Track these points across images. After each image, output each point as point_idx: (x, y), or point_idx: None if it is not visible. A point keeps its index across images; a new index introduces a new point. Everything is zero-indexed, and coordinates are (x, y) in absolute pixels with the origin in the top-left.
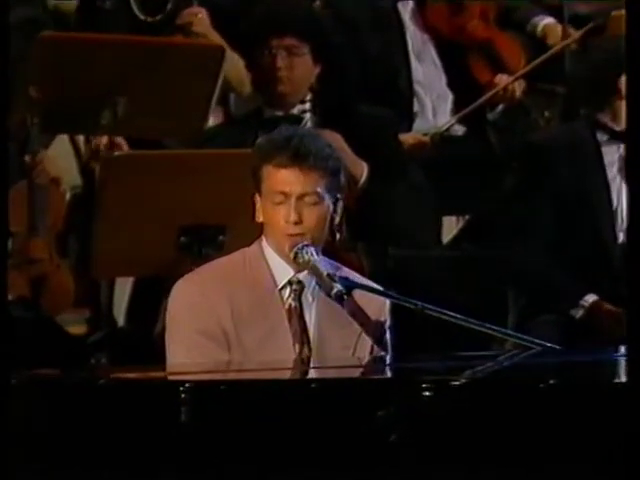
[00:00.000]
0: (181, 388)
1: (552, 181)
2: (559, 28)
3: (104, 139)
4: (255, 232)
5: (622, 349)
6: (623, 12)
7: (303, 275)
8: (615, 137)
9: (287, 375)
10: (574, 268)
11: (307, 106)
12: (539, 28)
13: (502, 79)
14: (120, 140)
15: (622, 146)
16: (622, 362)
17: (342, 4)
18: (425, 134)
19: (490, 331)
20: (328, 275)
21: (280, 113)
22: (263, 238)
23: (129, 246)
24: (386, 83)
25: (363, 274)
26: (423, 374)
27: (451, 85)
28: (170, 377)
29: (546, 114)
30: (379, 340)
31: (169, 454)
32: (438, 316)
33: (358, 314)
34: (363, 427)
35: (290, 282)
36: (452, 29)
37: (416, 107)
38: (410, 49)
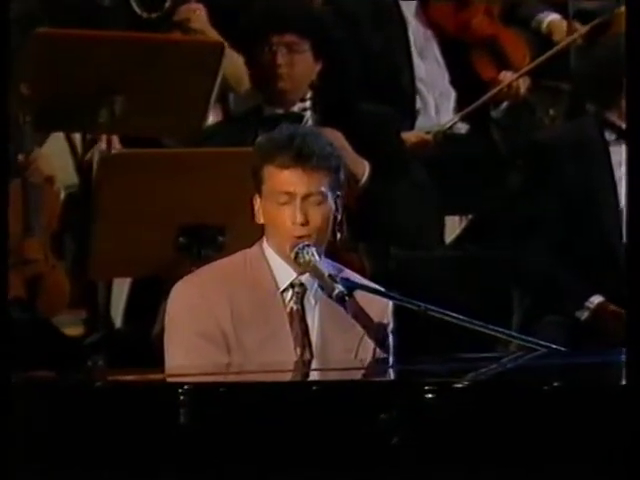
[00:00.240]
0: (180, 390)
1: (558, 180)
2: (564, 24)
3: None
4: (255, 233)
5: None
6: None
7: (305, 277)
8: (622, 136)
9: (288, 377)
10: (580, 268)
11: (307, 104)
12: (544, 24)
13: (506, 76)
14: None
15: None
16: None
17: (343, 0)
18: (428, 132)
19: (494, 333)
20: (329, 276)
21: (280, 111)
22: (264, 239)
23: (127, 246)
24: (388, 80)
25: (364, 275)
26: (426, 376)
27: (454, 82)
28: (169, 379)
29: (551, 112)
30: (382, 343)
31: (168, 457)
32: (441, 317)
33: (360, 316)
34: (365, 430)
35: (292, 285)
36: (456, 25)
37: (418, 105)
38: (412, 46)
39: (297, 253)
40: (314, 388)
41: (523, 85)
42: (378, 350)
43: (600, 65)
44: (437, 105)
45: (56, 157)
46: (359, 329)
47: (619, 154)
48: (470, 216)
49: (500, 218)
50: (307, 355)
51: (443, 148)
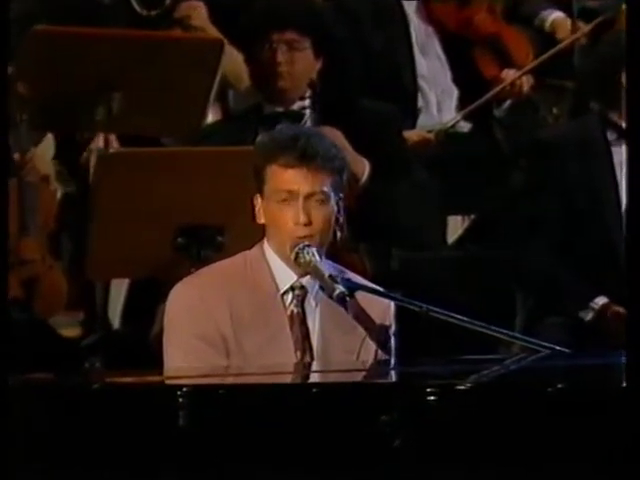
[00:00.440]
0: (179, 392)
1: (560, 179)
2: (568, 22)
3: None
4: (255, 233)
5: None
6: None
7: (306, 280)
8: (623, 135)
9: (288, 379)
10: (582, 268)
11: (307, 102)
12: (548, 22)
13: (509, 74)
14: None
15: None
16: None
17: None
18: (429, 131)
19: (497, 334)
20: (330, 276)
21: (280, 109)
22: (265, 241)
23: (125, 246)
24: (389, 78)
25: (366, 275)
26: (428, 378)
27: (456, 80)
28: (167, 381)
29: (555, 110)
30: (383, 344)
31: (167, 460)
32: (444, 319)
33: (362, 317)
34: (367, 433)
35: (292, 287)
36: (458, 22)
37: (420, 103)
38: (414, 43)
39: (297, 253)
40: (315, 390)
41: (526, 83)
42: (380, 352)
43: (603, 62)
44: (439, 103)
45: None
46: (360, 332)
47: (621, 154)
48: (472, 216)
49: (503, 218)
50: (308, 359)
51: (445, 147)
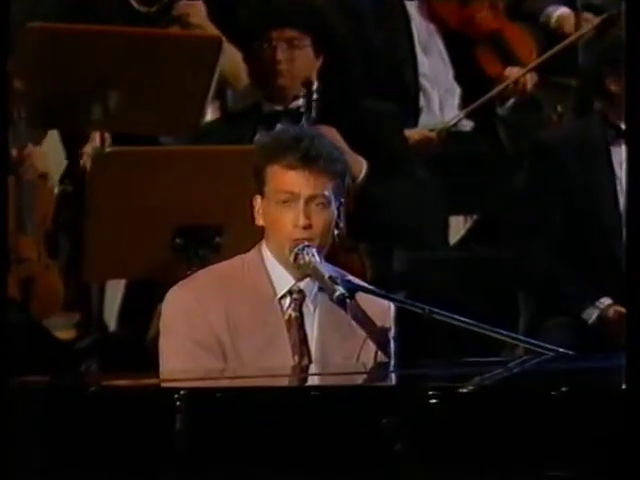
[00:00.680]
0: (176, 395)
1: (562, 181)
2: (574, 17)
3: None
4: (254, 233)
5: None
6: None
7: (304, 284)
8: (622, 135)
9: (286, 382)
10: (583, 269)
11: (300, 102)
12: (553, 18)
13: (512, 72)
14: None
15: None
16: None
17: None
18: (431, 129)
19: (500, 336)
20: (330, 277)
21: (279, 108)
22: (263, 243)
23: (121, 247)
24: (391, 76)
25: (365, 276)
26: (429, 381)
27: (459, 78)
28: (164, 384)
29: (559, 108)
30: (383, 347)
31: (164, 463)
32: (446, 320)
33: (362, 319)
34: (367, 436)
35: (290, 291)
36: (460, 20)
37: (422, 101)
38: (416, 41)
39: (297, 254)
40: (315, 393)
41: (530, 81)
42: (380, 354)
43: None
44: (441, 102)
45: (50, 153)
46: (359, 335)
47: (620, 154)
48: (475, 216)
49: (505, 218)
50: (305, 363)
51: (447, 146)
